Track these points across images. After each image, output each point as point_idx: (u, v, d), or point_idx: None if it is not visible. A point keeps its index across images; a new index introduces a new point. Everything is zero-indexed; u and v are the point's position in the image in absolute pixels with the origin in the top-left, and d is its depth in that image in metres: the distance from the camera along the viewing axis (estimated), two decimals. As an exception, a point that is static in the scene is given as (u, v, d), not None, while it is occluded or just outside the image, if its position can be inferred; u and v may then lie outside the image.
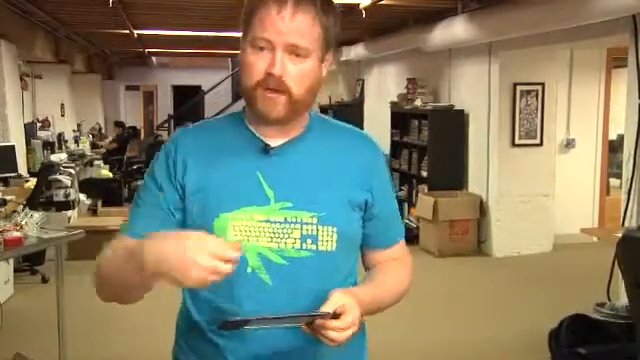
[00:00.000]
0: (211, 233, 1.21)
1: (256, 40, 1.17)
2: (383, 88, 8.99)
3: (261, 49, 1.18)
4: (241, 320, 1.09)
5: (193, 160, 1.26)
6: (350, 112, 9.20)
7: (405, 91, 7.69)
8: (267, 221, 1.22)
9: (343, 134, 1.36)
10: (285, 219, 1.23)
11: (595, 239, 6.05)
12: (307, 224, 1.23)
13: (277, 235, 1.22)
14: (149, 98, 17.16)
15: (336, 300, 1.14)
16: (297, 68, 1.18)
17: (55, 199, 6.01)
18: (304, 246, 1.23)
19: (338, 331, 1.12)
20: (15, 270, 5.24)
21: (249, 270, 1.22)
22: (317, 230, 1.24)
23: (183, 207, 1.26)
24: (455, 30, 6.03)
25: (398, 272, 1.38)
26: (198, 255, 1.02)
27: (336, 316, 1.13)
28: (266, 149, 1.25)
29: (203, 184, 1.24)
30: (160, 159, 1.29)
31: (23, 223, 3.57)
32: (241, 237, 1.22)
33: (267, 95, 1.19)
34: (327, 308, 1.13)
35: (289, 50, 1.17)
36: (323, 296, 1.16)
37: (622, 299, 3.94)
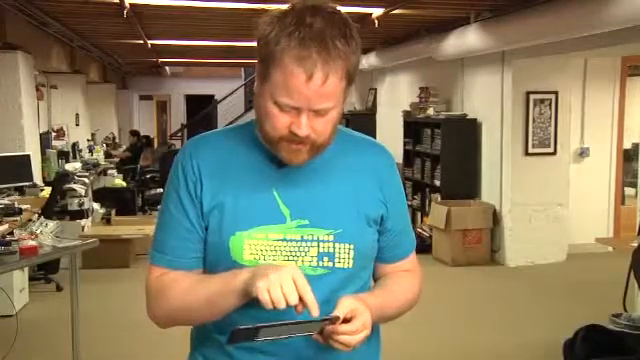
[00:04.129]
0: (227, 251, 1.21)
1: (279, 101, 1.13)
2: (395, 97, 8.98)
3: (284, 109, 1.14)
4: (250, 328, 1.08)
5: (208, 175, 1.24)
6: (362, 121, 9.20)
7: (418, 100, 7.69)
8: (283, 240, 1.21)
9: (359, 146, 1.33)
10: (301, 237, 1.22)
11: (610, 249, 6.02)
12: (324, 242, 1.22)
13: (293, 253, 1.21)
14: (162, 107, 17.30)
15: (344, 305, 1.14)
16: (322, 122, 1.16)
17: (69, 208, 6.06)
18: (320, 264, 1.22)
19: (350, 334, 1.12)
20: (30, 278, 5.27)
21: None
22: (334, 248, 1.23)
23: (204, 224, 1.24)
24: (468, 39, 6.02)
25: (407, 283, 1.37)
26: (286, 277, 1.07)
27: (346, 321, 1.12)
28: (281, 164, 1.22)
29: (219, 201, 1.22)
30: (178, 176, 1.25)
31: (38, 232, 3.61)
32: (257, 256, 1.21)
33: (292, 147, 1.17)
34: (336, 313, 1.12)
35: (315, 113, 1.14)
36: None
37: (638, 310, 3.89)
